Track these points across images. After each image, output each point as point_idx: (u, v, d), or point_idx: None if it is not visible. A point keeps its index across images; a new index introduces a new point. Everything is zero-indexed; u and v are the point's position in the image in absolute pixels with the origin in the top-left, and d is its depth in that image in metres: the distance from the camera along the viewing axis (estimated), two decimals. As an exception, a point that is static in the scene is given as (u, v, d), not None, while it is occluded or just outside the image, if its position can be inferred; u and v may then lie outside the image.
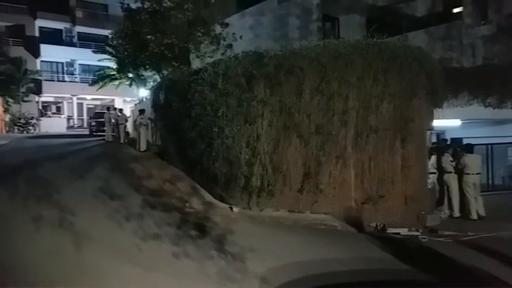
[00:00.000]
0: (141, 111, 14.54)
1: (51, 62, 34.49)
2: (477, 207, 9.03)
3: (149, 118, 13.98)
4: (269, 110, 7.82)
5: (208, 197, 8.32)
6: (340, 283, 4.83)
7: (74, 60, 34.82)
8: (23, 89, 29.57)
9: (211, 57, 15.14)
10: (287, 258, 5.46)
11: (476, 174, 9.18)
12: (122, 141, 16.35)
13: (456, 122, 12.14)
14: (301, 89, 7.74)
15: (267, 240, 6.28)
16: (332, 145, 7.74)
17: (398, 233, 7.29)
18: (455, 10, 17.54)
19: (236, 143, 7.95)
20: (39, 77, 32.10)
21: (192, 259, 5.20)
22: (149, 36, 16.32)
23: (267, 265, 5.12)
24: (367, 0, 17.91)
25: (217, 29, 16.64)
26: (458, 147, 9.71)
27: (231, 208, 7.84)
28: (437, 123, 9.58)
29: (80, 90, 33.43)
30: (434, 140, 10.75)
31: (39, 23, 33.69)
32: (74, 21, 35.08)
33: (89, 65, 34.01)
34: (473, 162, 9.18)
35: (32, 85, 30.68)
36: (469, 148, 9.35)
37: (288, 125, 7.78)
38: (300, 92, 7.74)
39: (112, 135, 17.42)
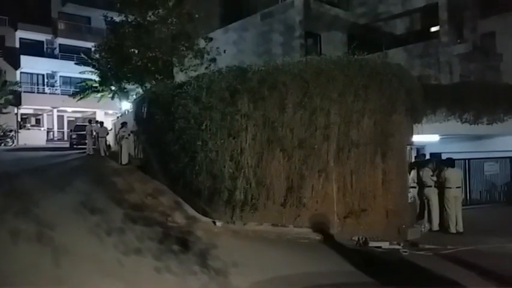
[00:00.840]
0: (123, 124, 14.41)
1: (31, 73, 33.96)
2: (457, 221, 9.21)
3: (132, 131, 13.87)
4: (253, 124, 7.88)
5: (191, 211, 8.26)
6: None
7: (55, 72, 34.37)
8: (1, 101, 28.91)
9: (195, 71, 15.22)
10: (271, 273, 5.45)
11: (457, 188, 9.39)
12: (102, 154, 16.15)
13: (435, 137, 12.46)
14: (284, 104, 7.84)
15: (251, 255, 6.26)
16: (314, 159, 7.83)
17: (380, 247, 7.38)
18: (433, 29, 18.15)
19: (220, 156, 7.96)
20: (19, 89, 31.50)
21: (174, 274, 5.13)
22: (133, 50, 16.33)
23: (250, 279, 5.10)
24: (348, 18, 18.38)
25: (201, 43, 16.76)
26: (439, 162, 9.93)
27: (214, 222, 7.79)
28: (416, 138, 9.82)
29: (60, 103, 32.91)
30: (415, 154, 10.99)
31: (20, 34, 33.22)
32: (55, 33, 34.75)
33: (70, 77, 33.61)
34: (454, 176, 9.40)
35: (10, 97, 30.03)
36: (450, 162, 9.58)
37: (272, 139, 7.84)
38: (283, 107, 7.84)
39: (93, 148, 17.19)
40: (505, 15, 20.24)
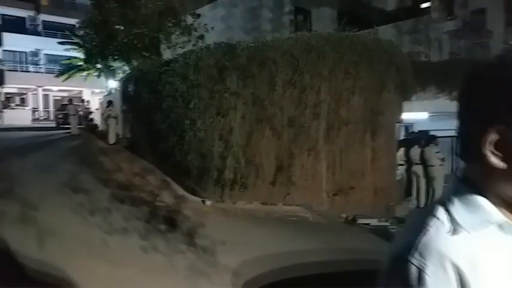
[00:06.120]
0: (109, 103, 14.14)
1: (14, 51, 33.00)
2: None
3: (122, 110, 13.59)
4: (242, 102, 7.77)
5: (180, 191, 8.20)
6: (311, 274, 4.87)
7: (39, 49, 33.44)
8: (-17, 79, 28.22)
9: (182, 48, 14.87)
10: (259, 251, 5.45)
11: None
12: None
13: (424, 115, 12.50)
14: (274, 82, 7.72)
15: (239, 233, 6.25)
16: (304, 138, 7.79)
17: (368, 224, 7.45)
18: (423, 5, 17.96)
19: (208, 135, 7.86)
20: (2, 67, 30.68)
21: (161, 253, 5.10)
22: (118, 26, 15.88)
23: (238, 258, 5.09)
24: (338, -6, 18.09)
25: (189, 19, 16.36)
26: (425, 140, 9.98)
27: (204, 201, 7.76)
28: (406, 116, 9.82)
29: (45, 81, 32.13)
30: (409, 132, 11.02)
31: (1, 10, 32.12)
32: (38, 9, 33.66)
33: (54, 55, 32.72)
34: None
35: (-7, 75, 29.33)
36: (427, 140, 9.69)
37: (261, 118, 7.76)
38: (272, 85, 7.72)
39: (78, 127, 16.96)
40: (496, -8, 20.09)
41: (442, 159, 9.56)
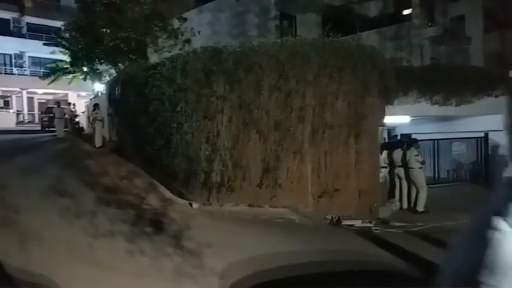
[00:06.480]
0: (96, 106, 14.10)
1: (-3, 53, 32.53)
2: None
3: (109, 113, 13.55)
4: (229, 106, 7.85)
5: (167, 194, 8.23)
6: (297, 275, 4.97)
7: (23, 52, 33.00)
8: (-35, 82, 27.66)
9: (169, 51, 14.93)
10: (246, 253, 5.53)
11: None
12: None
13: (406, 119, 12.78)
14: (260, 86, 7.84)
15: (226, 235, 6.33)
16: (290, 141, 7.92)
17: (353, 225, 7.61)
18: (405, 12, 18.37)
19: (195, 138, 7.92)
20: (-16, 70, 30.19)
21: (147, 256, 5.13)
22: (104, 29, 15.85)
23: (225, 260, 5.16)
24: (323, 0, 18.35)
25: (176, 23, 16.42)
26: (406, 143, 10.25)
27: (191, 204, 7.81)
28: (388, 119, 10.06)
29: (30, 84, 31.71)
30: (386, 135, 11.26)
31: (-16, 12, 31.64)
32: (22, 11, 33.21)
33: (39, 57, 32.30)
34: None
35: (-24, 78, 28.77)
36: (409, 143, 9.99)
37: (248, 121, 7.85)
38: (259, 89, 7.84)
39: (65, 131, 16.82)
40: (473, -1, 20.66)
41: (422, 162, 9.81)
